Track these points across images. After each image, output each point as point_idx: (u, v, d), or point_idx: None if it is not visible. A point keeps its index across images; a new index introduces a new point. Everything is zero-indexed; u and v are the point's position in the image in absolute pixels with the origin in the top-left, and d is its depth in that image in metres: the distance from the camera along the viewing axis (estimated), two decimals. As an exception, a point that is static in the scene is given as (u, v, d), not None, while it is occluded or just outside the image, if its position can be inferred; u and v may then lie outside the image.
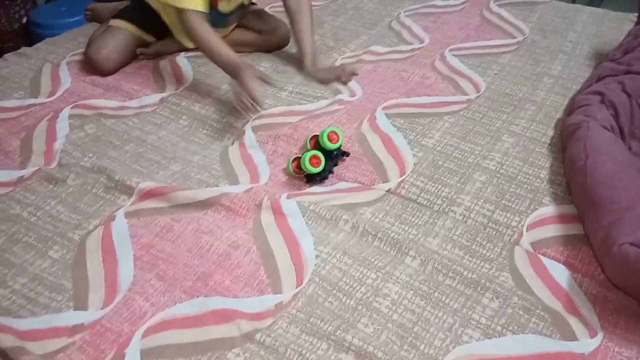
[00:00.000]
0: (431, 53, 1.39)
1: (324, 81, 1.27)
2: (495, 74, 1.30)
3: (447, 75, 1.30)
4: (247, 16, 1.43)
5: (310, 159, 0.95)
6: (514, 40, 1.44)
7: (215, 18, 1.28)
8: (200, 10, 1.14)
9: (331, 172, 1.01)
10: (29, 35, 2.58)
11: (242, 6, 1.35)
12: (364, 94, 1.23)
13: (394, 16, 1.60)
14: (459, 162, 1.02)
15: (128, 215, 0.91)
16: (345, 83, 1.26)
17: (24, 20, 2.61)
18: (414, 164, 1.01)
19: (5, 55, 1.41)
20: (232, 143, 1.10)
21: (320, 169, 0.96)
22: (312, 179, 0.99)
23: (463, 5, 1.66)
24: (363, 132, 1.10)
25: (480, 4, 1.65)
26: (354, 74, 1.27)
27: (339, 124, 1.12)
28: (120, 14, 1.38)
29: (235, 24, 1.42)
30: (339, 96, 1.20)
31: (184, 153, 1.08)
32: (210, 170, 1.03)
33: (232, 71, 1.13)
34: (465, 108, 1.18)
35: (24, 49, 1.45)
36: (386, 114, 1.15)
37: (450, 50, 1.40)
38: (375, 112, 1.15)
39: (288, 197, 0.93)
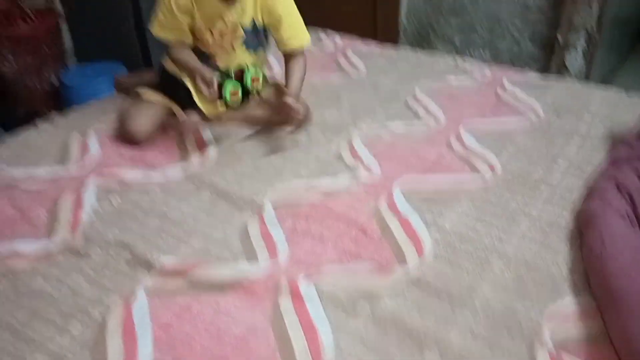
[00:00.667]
0: (447, 131, 1.43)
1: (274, 107, 1.40)
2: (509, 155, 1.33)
3: (462, 155, 1.33)
4: (268, 92, 1.49)
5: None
6: (529, 121, 1.48)
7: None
8: (160, 36, 1.38)
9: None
10: (58, 96, 2.71)
11: (246, 69, 1.44)
12: (382, 171, 1.26)
13: (410, 93, 1.66)
14: (476, 245, 1.03)
15: (149, 292, 0.93)
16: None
17: (54, 81, 2.74)
18: (432, 246, 1.02)
19: (38, 123, 1.47)
20: (251, 218, 1.13)
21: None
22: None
23: (478, 84, 1.71)
24: (381, 212, 1.11)
25: (495, 82, 1.71)
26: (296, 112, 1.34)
27: (357, 201, 1.15)
28: (149, 86, 1.45)
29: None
30: (357, 173, 1.23)
31: (204, 228, 1.10)
32: (230, 247, 1.05)
33: (194, 71, 1.36)
34: (481, 189, 1.20)
35: (55, 117, 1.52)
36: (403, 193, 1.17)
37: (466, 129, 1.43)
38: (392, 191, 1.17)
39: (306, 277, 0.94)
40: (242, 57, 1.43)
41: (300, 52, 1.45)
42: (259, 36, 1.43)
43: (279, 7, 1.39)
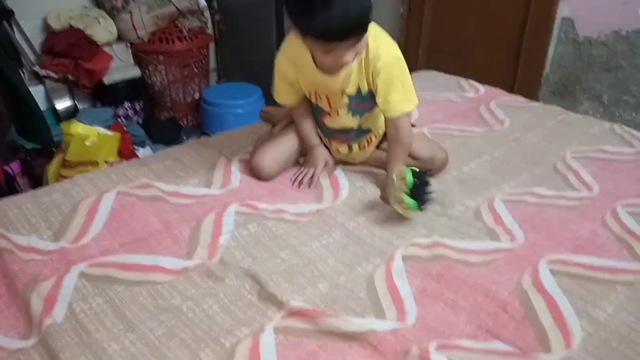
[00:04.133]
0: (602, 205, 1.30)
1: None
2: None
3: (620, 236, 1.19)
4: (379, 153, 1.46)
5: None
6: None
7: (325, 129, 1.45)
8: (282, 102, 1.42)
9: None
10: (199, 109, 2.91)
11: (352, 130, 1.40)
12: (526, 241, 1.16)
13: (560, 156, 1.53)
14: (638, 350, 0.90)
15: (277, 330, 0.92)
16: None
17: (197, 96, 2.96)
18: (582, 339, 0.91)
19: (188, 142, 1.57)
20: (379, 268, 1.09)
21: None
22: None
23: (637, 155, 1.55)
24: (525, 288, 1.02)
25: (658, 155, 1.53)
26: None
27: (497, 273, 1.06)
28: (284, 123, 1.49)
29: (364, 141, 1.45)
30: (498, 244, 1.15)
31: (331, 272, 1.08)
32: (356, 297, 1.02)
33: (307, 147, 1.42)
34: (644, 280, 1.06)
35: (204, 139, 1.61)
36: (551, 270, 1.07)
37: (624, 206, 1.29)
38: (538, 266, 1.08)
39: (439, 350, 0.88)
40: (347, 121, 1.37)
41: (401, 118, 1.30)
42: (365, 102, 1.34)
43: (383, 75, 1.25)
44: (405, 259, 1.11)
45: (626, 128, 1.72)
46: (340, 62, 1.18)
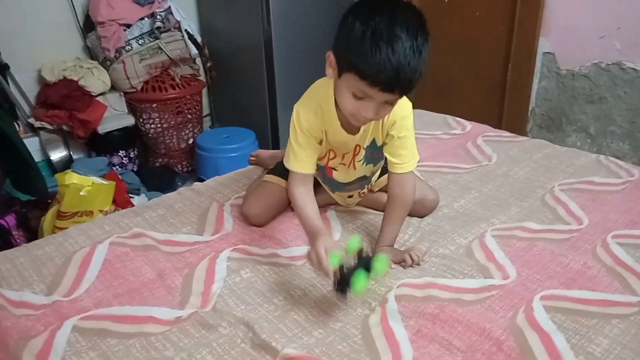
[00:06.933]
0: (592, 237, 1.31)
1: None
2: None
3: (611, 268, 1.20)
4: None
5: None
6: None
7: (332, 184, 1.38)
8: (300, 172, 1.22)
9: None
10: (193, 154, 2.94)
11: (364, 177, 1.38)
12: (518, 277, 1.16)
13: (548, 189, 1.56)
14: (635, 385, 0.90)
15: (272, 380, 0.92)
16: (405, 267, 1.23)
17: (191, 141, 2.99)
18: (580, 376, 0.91)
19: (180, 190, 1.59)
20: (374, 311, 1.09)
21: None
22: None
23: (624, 185, 1.57)
24: (519, 326, 1.02)
25: (645, 185, 1.55)
26: (417, 264, 1.22)
27: (491, 311, 1.06)
28: (274, 170, 1.49)
29: (366, 187, 1.44)
30: (491, 281, 1.15)
31: (326, 317, 1.08)
32: (352, 343, 1.01)
33: (311, 236, 1.13)
34: (637, 312, 1.06)
35: (196, 184, 1.63)
36: (544, 306, 1.07)
37: (614, 237, 1.30)
38: (532, 302, 1.08)
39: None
40: (362, 171, 1.36)
41: (408, 175, 1.27)
42: (377, 151, 1.32)
43: (398, 125, 1.22)
44: (398, 299, 1.11)
45: (612, 159, 1.75)
46: (364, 114, 1.08)
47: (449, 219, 1.42)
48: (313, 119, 1.20)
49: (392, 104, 1.09)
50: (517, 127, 2.64)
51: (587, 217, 1.40)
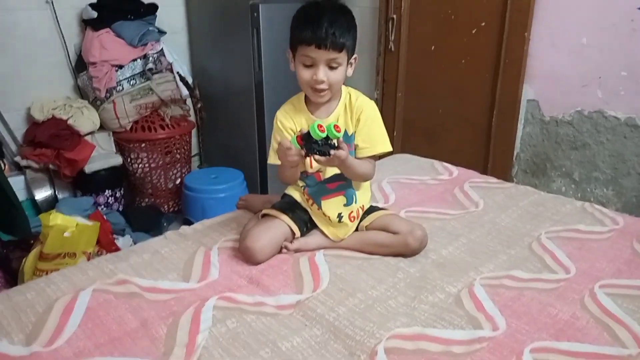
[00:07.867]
0: (579, 287, 1.31)
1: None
2: None
3: (599, 318, 1.19)
4: (383, 220, 1.49)
5: (318, 126, 1.20)
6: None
7: (314, 185, 1.50)
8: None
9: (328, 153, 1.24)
10: (180, 194, 2.93)
11: (343, 178, 1.47)
12: (508, 328, 1.15)
13: (534, 237, 1.57)
14: None
15: None
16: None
17: (178, 181, 2.98)
18: None
19: (167, 234, 1.57)
20: (363, 364, 1.07)
21: (324, 135, 1.22)
22: (312, 150, 1.24)
23: (610, 233, 1.59)
24: (509, 380, 1.01)
25: (630, 234, 1.57)
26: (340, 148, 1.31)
27: (482, 362, 1.05)
28: (274, 206, 1.51)
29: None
30: (480, 333, 1.14)
31: (314, 370, 1.06)
32: (341, 396, 0.99)
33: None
34: (627, 366, 1.05)
35: (183, 228, 1.61)
36: (534, 360, 1.06)
37: (601, 287, 1.30)
38: (522, 355, 1.06)
39: None
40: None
41: (373, 160, 1.48)
42: (350, 144, 1.44)
43: (366, 112, 1.44)
44: (388, 351, 1.09)
45: (597, 206, 1.77)
46: (317, 79, 1.34)
47: (438, 265, 1.42)
48: (288, 115, 1.46)
49: (335, 67, 1.35)
50: (503, 171, 2.68)
51: (574, 265, 1.41)
